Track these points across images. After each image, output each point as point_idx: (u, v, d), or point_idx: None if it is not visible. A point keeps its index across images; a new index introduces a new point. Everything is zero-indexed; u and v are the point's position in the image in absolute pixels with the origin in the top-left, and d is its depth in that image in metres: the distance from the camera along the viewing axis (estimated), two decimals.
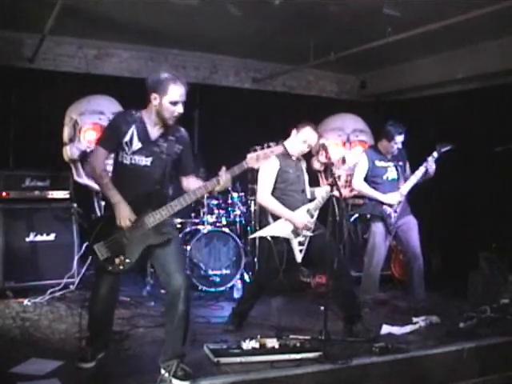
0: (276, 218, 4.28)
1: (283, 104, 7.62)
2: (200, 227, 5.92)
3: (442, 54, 6.75)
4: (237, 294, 5.50)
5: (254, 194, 6.31)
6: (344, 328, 4.31)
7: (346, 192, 5.62)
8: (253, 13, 5.58)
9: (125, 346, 3.86)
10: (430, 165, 5.01)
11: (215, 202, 6.14)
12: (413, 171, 5.16)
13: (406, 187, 5.06)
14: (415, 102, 7.48)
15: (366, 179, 5.11)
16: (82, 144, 5.77)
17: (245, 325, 4.42)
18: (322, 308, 4.28)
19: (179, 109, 3.26)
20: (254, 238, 6.07)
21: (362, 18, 5.53)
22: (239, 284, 5.68)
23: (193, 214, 6.18)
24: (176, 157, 3.39)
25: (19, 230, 5.20)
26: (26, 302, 4.90)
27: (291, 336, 4.02)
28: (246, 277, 5.95)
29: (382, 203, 5.02)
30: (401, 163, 5.19)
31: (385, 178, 5.11)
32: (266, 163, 4.26)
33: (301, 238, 4.25)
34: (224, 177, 3.28)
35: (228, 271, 5.81)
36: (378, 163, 5.11)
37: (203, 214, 6.03)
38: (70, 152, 5.86)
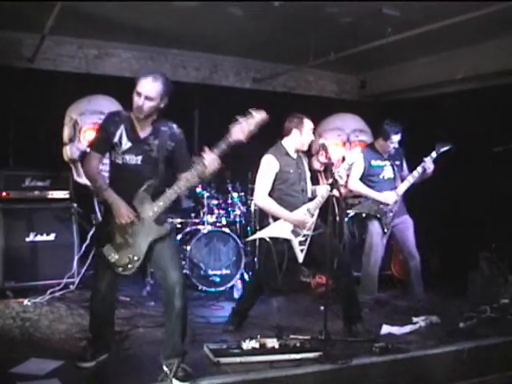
0: (276, 218, 4.27)
1: (283, 104, 7.60)
2: (200, 227, 5.92)
3: (442, 53, 6.75)
4: (237, 294, 5.50)
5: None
6: (344, 328, 4.31)
7: (345, 192, 5.62)
8: (253, 13, 5.58)
9: (125, 345, 3.85)
10: (428, 165, 5.02)
11: (215, 202, 6.14)
12: (411, 170, 5.16)
13: (402, 187, 5.08)
14: (415, 102, 7.48)
15: (362, 178, 5.12)
16: (81, 144, 5.77)
17: (245, 325, 4.42)
18: (322, 308, 4.28)
19: (138, 100, 3.24)
20: (254, 239, 6.08)
21: (362, 18, 5.53)
22: (239, 284, 5.68)
23: (193, 214, 6.18)
24: (168, 154, 3.39)
25: (19, 230, 5.19)
26: (26, 302, 4.90)
27: (291, 336, 4.02)
28: (246, 277, 5.95)
29: (379, 202, 5.03)
30: (397, 162, 5.21)
31: (381, 177, 5.13)
32: (264, 163, 4.29)
33: (301, 238, 4.24)
34: (208, 157, 3.23)
35: (228, 271, 5.81)
36: (374, 162, 5.12)
37: (203, 214, 6.03)
38: (69, 152, 5.86)
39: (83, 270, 5.37)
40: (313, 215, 4.27)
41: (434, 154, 5.03)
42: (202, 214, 6.05)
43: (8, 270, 5.07)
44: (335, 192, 4.10)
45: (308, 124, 4.36)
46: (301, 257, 4.23)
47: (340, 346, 3.95)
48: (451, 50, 6.58)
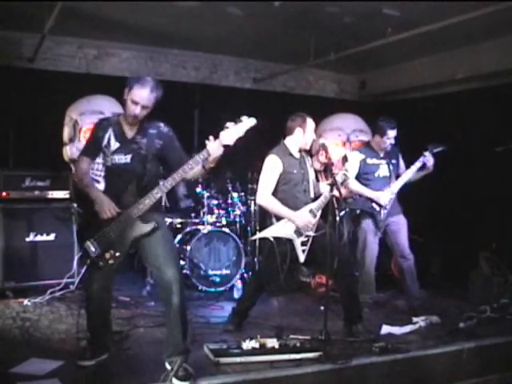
0: (279, 218, 4.26)
1: (283, 104, 7.62)
2: (200, 227, 5.92)
3: (442, 53, 6.75)
4: (237, 294, 5.50)
5: (254, 194, 6.31)
6: (344, 328, 4.31)
7: (346, 192, 5.61)
8: (253, 13, 5.58)
9: (125, 345, 3.85)
10: (428, 159, 5.02)
11: (215, 201, 6.14)
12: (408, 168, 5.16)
13: (396, 185, 5.08)
14: (415, 102, 7.48)
15: (357, 176, 5.11)
16: (81, 144, 5.76)
17: (245, 325, 4.42)
18: (322, 308, 4.28)
19: (136, 109, 3.31)
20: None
21: (362, 18, 5.53)
22: (239, 284, 5.67)
23: (193, 214, 6.19)
24: (157, 152, 3.43)
25: (19, 230, 5.19)
26: (26, 302, 4.90)
27: (291, 336, 4.01)
28: (246, 277, 5.95)
29: (372, 199, 5.04)
30: (393, 161, 5.20)
31: (376, 175, 5.12)
32: (268, 163, 4.28)
33: (303, 238, 4.22)
34: (212, 144, 3.28)
35: (228, 271, 5.81)
36: (370, 161, 5.11)
37: (203, 214, 6.03)
38: (69, 152, 5.87)
39: (83, 270, 5.35)
40: (315, 216, 4.26)
41: (426, 154, 5.04)
42: (201, 214, 6.05)
43: (8, 270, 5.07)
44: (335, 192, 4.10)
45: (310, 123, 4.37)
46: (302, 257, 4.22)
47: (340, 346, 3.95)
48: (451, 49, 6.58)
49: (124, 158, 3.37)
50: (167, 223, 6.02)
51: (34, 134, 6.33)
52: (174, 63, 7.36)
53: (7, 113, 6.32)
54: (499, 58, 6.08)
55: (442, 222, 6.65)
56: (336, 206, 4.15)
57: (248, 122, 3.38)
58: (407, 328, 4.43)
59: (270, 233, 4.23)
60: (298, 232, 4.21)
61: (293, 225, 4.20)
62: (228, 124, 3.36)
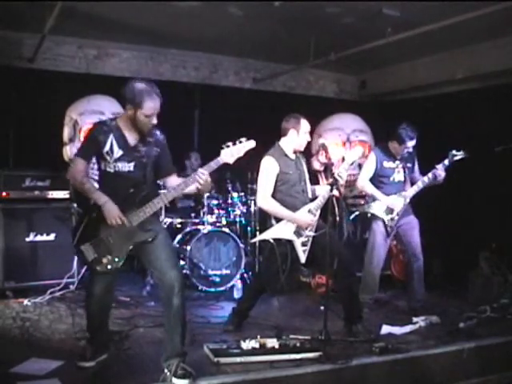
0: (278, 219, 4.26)
1: (283, 104, 7.61)
2: (200, 227, 5.92)
3: (442, 53, 6.75)
4: (237, 294, 5.50)
5: (254, 194, 6.31)
6: (344, 328, 4.31)
7: (345, 192, 5.62)
8: (253, 13, 5.58)
9: (125, 345, 3.85)
10: (440, 173, 4.94)
11: (215, 201, 6.14)
12: (422, 173, 5.13)
13: (411, 191, 5.02)
14: (415, 102, 7.48)
15: (372, 179, 5.07)
16: None
17: (245, 325, 4.42)
18: (322, 308, 4.28)
19: (153, 120, 3.32)
20: (255, 238, 6.07)
21: (362, 18, 5.53)
22: (239, 284, 5.67)
23: (193, 214, 6.19)
24: (154, 159, 3.45)
25: (19, 230, 5.19)
26: (26, 302, 4.90)
27: (291, 336, 4.02)
28: (246, 277, 5.95)
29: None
30: (409, 164, 5.13)
31: (391, 179, 5.07)
32: (264, 165, 4.29)
33: (303, 239, 4.23)
34: (204, 179, 3.36)
35: (228, 271, 5.81)
36: (387, 164, 5.05)
37: (203, 214, 6.03)
38: (69, 152, 5.87)
39: (83, 270, 5.36)
40: (315, 215, 4.26)
41: (446, 162, 4.96)
42: (201, 214, 6.05)
43: (8, 270, 5.07)
44: (335, 192, 4.09)
45: (305, 124, 4.34)
46: (303, 257, 4.22)
47: (340, 346, 3.95)
48: (451, 50, 6.58)
49: (127, 166, 3.35)
50: (167, 223, 6.06)
51: (34, 134, 6.33)
52: (174, 63, 7.36)
53: (7, 113, 6.33)
54: (499, 58, 6.08)
55: (442, 222, 6.65)
56: (336, 205, 4.13)
57: (248, 144, 3.47)
58: (407, 328, 4.43)
59: (269, 235, 4.23)
60: (298, 233, 4.21)
61: (292, 226, 4.20)
62: (228, 143, 3.44)
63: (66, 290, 5.25)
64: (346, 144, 6.84)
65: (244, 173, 6.35)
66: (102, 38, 6.73)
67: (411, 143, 4.95)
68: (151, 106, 3.26)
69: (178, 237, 5.92)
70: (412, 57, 7.07)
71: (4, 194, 5.20)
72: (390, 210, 4.99)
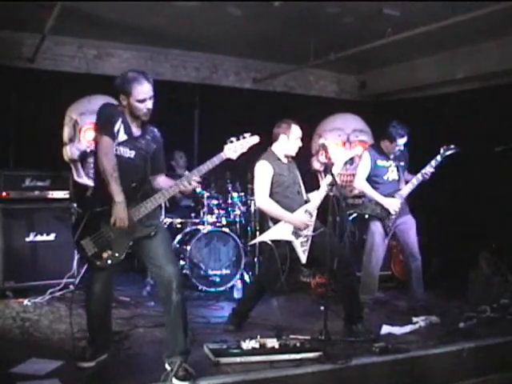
0: (276, 221, 4.27)
1: (283, 104, 7.62)
2: (200, 227, 5.92)
3: (442, 53, 6.75)
4: (237, 294, 5.50)
5: (254, 194, 6.32)
6: (344, 328, 4.31)
7: (346, 192, 5.62)
8: (253, 13, 5.58)
9: (125, 346, 3.85)
10: (428, 170, 4.96)
11: (215, 201, 6.14)
12: (412, 171, 5.14)
13: (406, 189, 5.03)
14: (415, 102, 7.48)
15: (367, 178, 5.08)
16: (81, 144, 5.79)
17: (245, 325, 4.42)
18: (322, 308, 4.28)
19: (148, 105, 3.32)
20: (254, 238, 6.07)
21: (362, 18, 5.53)
22: (239, 284, 5.67)
23: (193, 214, 6.18)
24: (151, 154, 3.46)
25: (19, 230, 5.19)
26: (26, 302, 4.90)
27: (291, 336, 4.01)
28: (246, 277, 5.95)
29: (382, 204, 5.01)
30: (402, 163, 5.16)
31: (386, 178, 5.08)
32: (258, 169, 4.31)
33: (302, 239, 4.23)
34: (190, 176, 3.35)
35: (228, 271, 5.81)
36: (380, 162, 5.07)
37: (203, 213, 6.03)
38: (70, 152, 5.87)
39: (83, 270, 5.36)
40: (312, 215, 4.28)
41: (439, 158, 4.98)
42: (202, 214, 6.05)
43: (8, 270, 5.07)
44: (335, 192, 4.09)
45: (295, 130, 4.37)
46: (304, 257, 4.23)
47: (340, 346, 3.95)
48: (451, 50, 6.58)
49: (128, 153, 3.35)
50: (167, 223, 6.06)
51: (34, 134, 6.33)
52: (174, 63, 7.36)
53: (7, 113, 6.33)
54: (499, 58, 6.08)
55: (442, 222, 6.65)
56: (336, 206, 4.12)
57: (251, 140, 3.50)
58: (407, 328, 4.43)
59: (267, 236, 4.25)
60: (296, 233, 4.22)
61: (290, 227, 4.21)
62: (232, 138, 3.46)
63: (65, 290, 5.25)
64: (345, 144, 6.84)
65: (244, 173, 6.35)
66: (102, 38, 6.73)
67: (402, 141, 4.98)
68: (140, 90, 3.27)
69: (178, 237, 5.92)
70: (412, 57, 7.07)
71: (4, 194, 5.20)
72: (386, 211, 4.99)
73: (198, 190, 6.06)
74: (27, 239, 5.22)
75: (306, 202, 4.37)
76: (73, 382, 3.28)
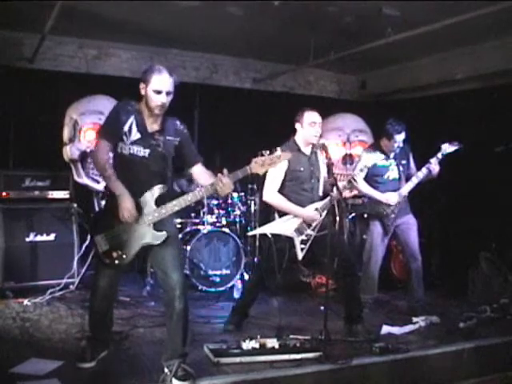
0: (282, 214, 4.25)
1: (283, 104, 7.61)
2: (200, 227, 5.92)
3: (442, 53, 6.75)
4: (237, 294, 5.50)
5: (254, 194, 6.32)
6: (344, 328, 4.31)
7: (346, 192, 5.61)
8: (253, 13, 5.58)
9: (125, 345, 3.85)
10: (434, 166, 4.95)
11: (215, 202, 6.14)
12: (418, 168, 5.12)
13: (406, 187, 5.02)
14: (415, 102, 7.48)
15: (366, 178, 5.07)
16: (81, 144, 5.78)
17: (245, 325, 4.42)
18: (322, 308, 4.28)
19: (162, 98, 3.26)
20: (255, 237, 6.08)
21: (362, 18, 5.53)
22: (239, 284, 5.67)
23: (193, 214, 6.18)
24: (175, 151, 3.40)
25: (19, 230, 5.19)
26: (26, 302, 4.90)
27: (291, 336, 4.02)
28: (246, 277, 5.95)
29: (381, 202, 5.00)
30: (403, 161, 5.13)
31: (386, 177, 5.07)
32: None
33: (304, 237, 4.22)
34: (224, 182, 3.26)
35: (228, 271, 5.81)
36: (380, 162, 5.07)
37: (203, 213, 6.03)
38: (70, 152, 5.87)
39: (83, 270, 5.37)
40: (321, 215, 4.23)
41: (439, 155, 4.97)
42: (201, 214, 6.05)
43: (8, 270, 5.07)
44: (335, 192, 4.09)
45: (308, 115, 4.30)
46: (300, 255, 4.22)
47: (340, 346, 3.95)
48: (451, 50, 6.57)
49: (143, 151, 3.29)
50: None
51: (34, 134, 6.32)
52: (174, 63, 7.35)
53: (7, 113, 6.33)
54: (499, 58, 6.07)
55: (443, 221, 6.65)
56: (336, 206, 4.12)
57: (283, 156, 3.29)
58: (407, 328, 4.43)
59: (269, 229, 4.23)
60: (299, 230, 4.20)
61: (294, 223, 4.20)
62: (264, 152, 3.29)
63: (66, 290, 5.25)
64: (346, 144, 6.83)
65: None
66: (102, 37, 6.72)
67: (400, 137, 4.95)
68: (158, 79, 3.24)
69: (178, 237, 5.92)
70: (412, 57, 7.06)
71: (4, 194, 5.21)
72: (385, 209, 4.99)
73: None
74: (27, 239, 5.22)
75: (322, 198, 4.33)
76: (73, 381, 3.28)
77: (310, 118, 4.31)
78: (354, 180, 4.17)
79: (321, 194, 4.37)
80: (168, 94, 3.28)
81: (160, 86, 3.24)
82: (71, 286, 5.34)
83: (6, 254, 5.07)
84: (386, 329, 4.37)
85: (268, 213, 4.41)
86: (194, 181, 3.49)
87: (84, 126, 5.78)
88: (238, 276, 5.79)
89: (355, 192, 5.59)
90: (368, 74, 8.18)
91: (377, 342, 3.93)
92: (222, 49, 7.24)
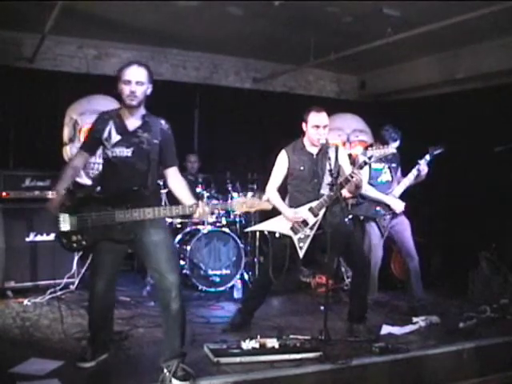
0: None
1: (283, 104, 7.62)
2: (200, 227, 5.92)
3: (442, 53, 6.75)
4: (237, 294, 5.50)
5: (254, 195, 6.31)
6: (346, 326, 4.32)
7: (345, 192, 5.60)
8: (253, 13, 5.58)
9: (125, 346, 3.85)
10: (423, 167, 5.00)
11: (215, 202, 6.13)
12: (407, 173, 5.14)
13: (398, 189, 5.05)
14: (415, 102, 7.48)
15: None
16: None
17: (245, 325, 4.41)
18: (322, 308, 4.28)
19: (131, 87, 3.27)
20: (255, 237, 6.09)
21: (362, 18, 5.53)
22: (239, 284, 5.67)
23: None
24: (158, 148, 3.38)
25: (19, 230, 5.19)
26: (26, 301, 4.90)
27: (291, 336, 4.01)
28: (246, 277, 5.95)
29: (377, 204, 5.02)
30: (394, 165, 5.17)
31: (379, 180, 5.09)
32: (277, 158, 4.32)
33: (301, 235, 4.21)
34: (201, 210, 3.23)
35: (228, 271, 5.81)
36: (374, 165, 5.05)
37: None
38: (69, 152, 5.86)
39: (83, 270, 5.37)
40: (317, 214, 4.20)
41: (428, 157, 5.01)
42: None
43: (8, 270, 5.07)
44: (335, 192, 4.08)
45: (313, 117, 4.22)
46: (300, 253, 4.21)
47: (340, 346, 3.95)
48: (451, 50, 6.58)
49: (126, 151, 3.31)
50: (167, 223, 6.06)
51: (34, 134, 6.33)
52: (174, 63, 7.36)
53: (7, 113, 6.33)
54: (499, 58, 6.08)
55: (443, 221, 6.65)
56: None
57: (262, 204, 3.34)
58: (407, 328, 4.43)
59: (265, 226, 4.25)
60: (294, 229, 4.20)
61: (288, 221, 4.21)
62: (246, 193, 3.36)
63: (66, 290, 5.25)
64: (346, 144, 6.83)
65: (244, 173, 6.36)
66: (102, 37, 6.73)
67: (394, 144, 4.99)
68: (126, 71, 3.28)
69: (178, 237, 5.92)
70: (412, 57, 7.07)
71: (4, 194, 5.20)
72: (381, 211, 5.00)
73: (198, 190, 6.07)
74: (27, 239, 5.22)
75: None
76: (73, 382, 3.28)
77: (314, 120, 4.22)
78: (354, 175, 4.12)
79: (326, 193, 4.20)
80: (138, 83, 3.28)
81: (128, 76, 3.28)
82: (71, 286, 5.34)
83: (6, 253, 5.07)
84: (386, 329, 4.37)
85: (271, 212, 4.40)
86: (168, 184, 3.49)
87: (84, 126, 5.77)
88: (237, 276, 5.79)
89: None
90: (368, 74, 8.19)
91: (377, 342, 3.93)
92: (222, 49, 7.24)
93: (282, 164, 4.29)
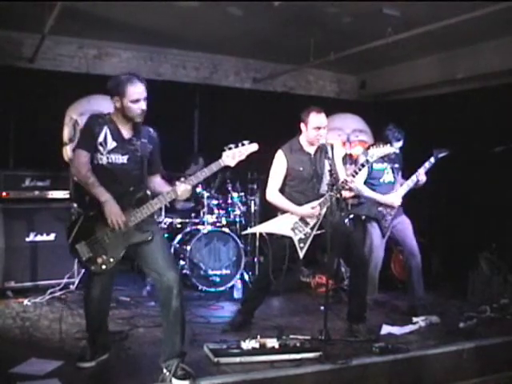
0: (284, 213, 4.25)
1: (283, 104, 7.62)
2: (200, 227, 5.92)
3: (442, 53, 6.76)
4: (237, 294, 5.50)
5: (254, 194, 6.32)
6: (345, 326, 4.32)
7: (345, 192, 5.60)
8: (253, 13, 5.58)
9: (125, 346, 3.85)
10: (421, 178, 4.96)
11: (215, 202, 6.14)
12: (409, 174, 5.13)
13: (401, 190, 5.03)
14: (415, 102, 7.48)
15: (364, 181, 5.07)
16: None
17: (246, 325, 4.42)
18: (322, 308, 4.28)
19: (142, 105, 3.30)
20: (255, 237, 6.08)
21: (362, 18, 5.53)
22: (239, 284, 5.67)
23: (193, 214, 6.18)
24: (149, 156, 3.44)
25: (19, 230, 5.19)
26: (26, 301, 4.90)
27: (291, 336, 4.01)
28: (246, 277, 5.95)
29: (379, 204, 5.01)
30: (397, 165, 5.15)
31: (382, 180, 5.08)
32: (274, 159, 4.31)
33: (301, 236, 4.21)
34: (181, 188, 3.32)
35: (228, 271, 5.81)
36: (376, 165, 5.05)
37: (203, 213, 6.03)
38: (70, 152, 5.87)
39: (83, 270, 5.36)
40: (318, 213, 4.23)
41: (432, 160, 4.98)
42: (201, 214, 6.05)
43: (8, 270, 5.07)
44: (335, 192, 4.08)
45: (313, 119, 4.22)
46: (301, 254, 4.21)
47: (340, 346, 3.95)
48: (451, 50, 6.58)
49: (121, 158, 3.34)
50: (167, 223, 6.07)
51: (34, 134, 6.33)
52: (174, 63, 7.36)
53: (7, 113, 6.33)
54: (499, 58, 6.08)
55: (443, 222, 6.65)
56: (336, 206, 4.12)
57: (250, 147, 3.46)
58: (407, 328, 4.43)
59: (265, 228, 4.23)
60: (295, 229, 4.19)
61: (290, 222, 4.19)
62: (231, 145, 3.43)
63: (66, 290, 5.25)
64: (345, 144, 6.84)
65: (244, 173, 6.35)
66: (102, 37, 6.73)
67: (398, 144, 4.99)
68: (134, 90, 3.26)
69: (178, 237, 5.92)
70: (412, 57, 7.07)
71: (4, 194, 5.20)
72: (382, 211, 5.00)
73: (198, 190, 6.07)
74: (27, 239, 5.22)
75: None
76: (73, 382, 3.28)
77: (316, 122, 4.22)
78: (355, 174, 4.12)
79: (324, 192, 4.22)
80: (145, 99, 3.32)
81: (137, 96, 3.28)
82: (71, 286, 5.34)
83: (6, 253, 5.07)
84: (386, 329, 4.37)
85: (271, 212, 4.40)
86: (150, 188, 3.52)
87: None
88: (237, 276, 5.79)
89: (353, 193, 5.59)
90: (368, 74, 8.19)
91: (377, 342, 3.93)
92: (222, 49, 7.25)
93: (280, 164, 4.27)
